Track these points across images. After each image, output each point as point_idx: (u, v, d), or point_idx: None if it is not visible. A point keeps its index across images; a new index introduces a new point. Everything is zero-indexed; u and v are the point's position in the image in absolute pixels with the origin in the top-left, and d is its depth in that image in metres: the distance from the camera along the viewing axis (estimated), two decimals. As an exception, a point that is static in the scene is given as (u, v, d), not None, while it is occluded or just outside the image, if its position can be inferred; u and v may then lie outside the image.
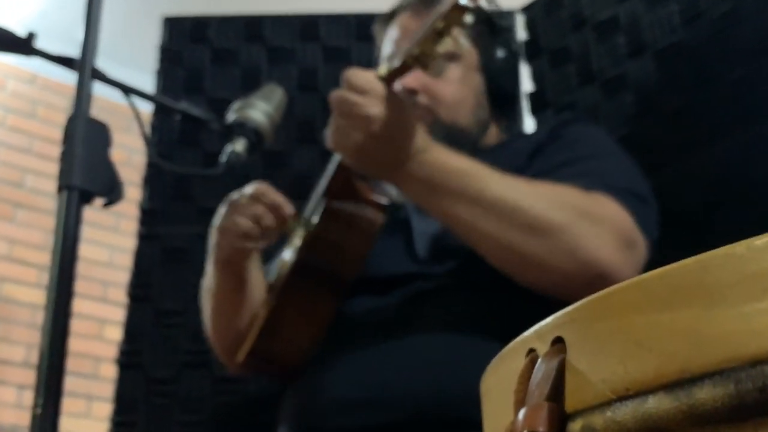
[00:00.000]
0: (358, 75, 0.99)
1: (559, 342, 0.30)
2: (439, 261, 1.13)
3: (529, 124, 1.67)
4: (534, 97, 1.61)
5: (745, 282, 0.26)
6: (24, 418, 3.00)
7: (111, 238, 3.48)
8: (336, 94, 1.00)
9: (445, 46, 0.95)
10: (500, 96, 1.30)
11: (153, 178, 1.69)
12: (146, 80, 1.76)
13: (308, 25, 1.80)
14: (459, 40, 0.96)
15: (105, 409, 2.88)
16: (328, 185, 1.14)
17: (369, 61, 1.49)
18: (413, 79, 1.17)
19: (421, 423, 0.99)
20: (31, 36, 1.05)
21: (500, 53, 1.30)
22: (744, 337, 0.25)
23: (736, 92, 1.24)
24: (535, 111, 1.61)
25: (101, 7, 1.00)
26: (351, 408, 1.03)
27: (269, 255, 1.32)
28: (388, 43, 1.30)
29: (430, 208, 1.03)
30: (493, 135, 1.31)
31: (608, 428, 0.28)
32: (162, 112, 1.67)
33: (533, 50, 1.64)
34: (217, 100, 1.68)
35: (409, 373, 1.01)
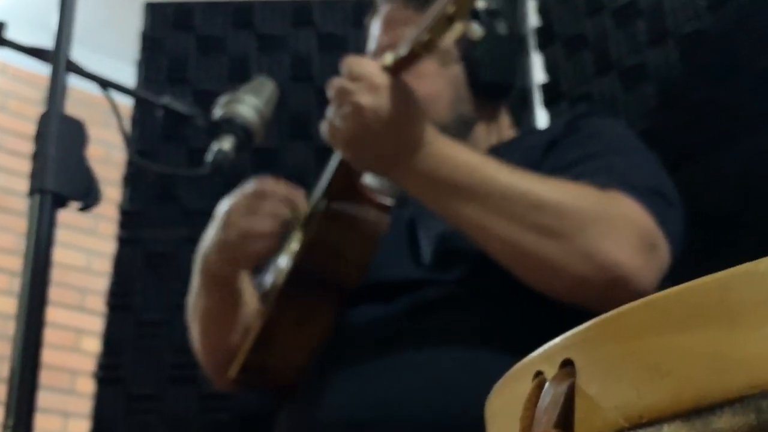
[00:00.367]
0: (356, 61, 1.00)
1: (568, 365, 0.30)
2: (447, 266, 1.13)
3: (541, 118, 1.67)
4: (547, 89, 1.61)
5: (768, 302, 0.26)
6: (-5, 437, 3.00)
7: (88, 242, 3.48)
8: (334, 83, 1.00)
9: (456, 32, 0.95)
10: (487, 88, 1.27)
11: (134, 177, 1.69)
12: (127, 70, 1.77)
13: (301, 10, 1.80)
14: (471, 26, 0.96)
15: (82, 427, 2.88)
16: (328, 185, 1.14)
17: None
18: None
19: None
20: (0, 26, 1.05)
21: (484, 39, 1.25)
22: (767, 362, 0.25)
23: (766, 83, 1.24)
24: (548, 103, 1.61)
25: (77, -7, 1.01)
26: (350, 430, 1.02)
27: (257, 266, 1.31)
28: (373, 35, 1.31)
29: (435, 207, 1.03)
30: (504, 130, 1.30)
31: (621, 458, 0.28)
32: (143, 105, 1.67)
33: (546, 37, 1.64)
34: (202, 92, 1.68)
35: (414, 392, 1.01)
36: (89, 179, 0.93)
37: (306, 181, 1.28)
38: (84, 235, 3.47)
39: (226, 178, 1.31)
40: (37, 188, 0.91)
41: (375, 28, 1.31)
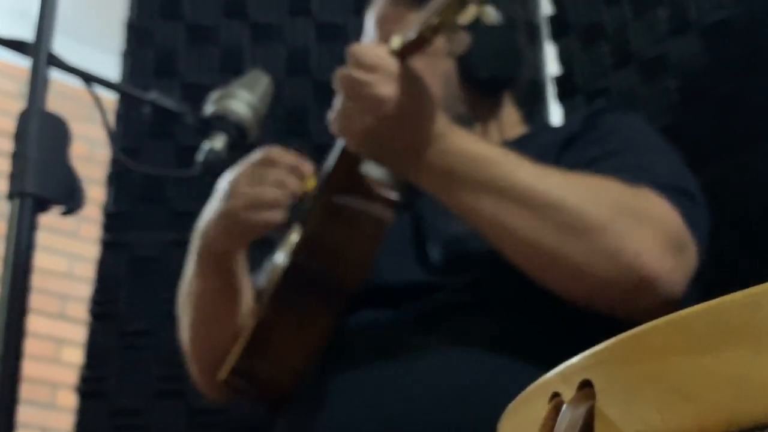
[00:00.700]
0: (367, 50, 1.00)
1: (587, 386, 0.31)
2: (458, 269, 1.12)
3: (555, 113, 1.67)
4: (561, 82, 1.61)
5: (800, 321, 0.26)
6: (-30, 454, 3.00)
7: (70, 246, 3.48)
8: (342, 74, 1.00)
9: (469, 15, 0.95)
10: (481, 83, 1.26)
11: (119, 177, 1.69)
12: (112, 62, 1.77)
13: (298, -3, 1.80)
14: (485, 9, 0.96)
15: (64, 442, 2.89)
16: (329, 177, 1.13)
17: (369, 41, 1.50)
18: None
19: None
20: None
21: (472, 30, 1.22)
22: (798, 386, 0.25)
23: (796, 76, 1.24)
24: (563, 97, 1.61)
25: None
26: (351, 446, 1.02)
27: (256, 263, 1.32)
28: (368, 30, 1.31)
29: (449, 202, 1.03)
30: (508, 126, 1.29)
31: (643, 487, 0.28)
32: (129, 100, 1.68)
33: (560, 27, 1.64)
34: (192, 86, 1.68)
35: (422, 406, 1.00)
36: (72, 181, 0.94)
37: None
38: (65, 238, 3.47)
39: (218, 179, 1.32)
40: (17, 191, 0.91)
41: (369, 22, 1.31)
